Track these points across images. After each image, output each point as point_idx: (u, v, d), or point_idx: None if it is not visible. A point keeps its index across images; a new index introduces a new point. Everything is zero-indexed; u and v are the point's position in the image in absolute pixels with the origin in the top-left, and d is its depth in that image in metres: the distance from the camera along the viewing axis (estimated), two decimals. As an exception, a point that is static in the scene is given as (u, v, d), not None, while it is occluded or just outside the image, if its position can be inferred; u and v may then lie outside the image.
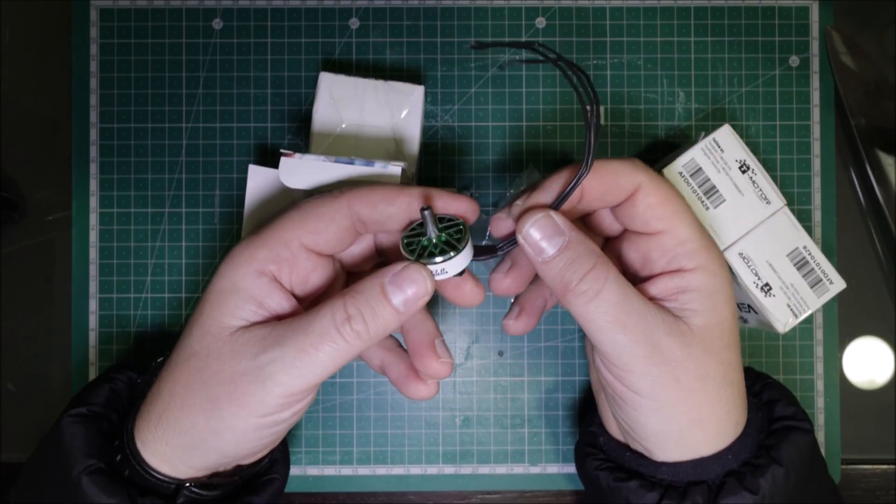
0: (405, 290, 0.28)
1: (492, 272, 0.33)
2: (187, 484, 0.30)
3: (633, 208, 0.30)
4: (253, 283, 0.29)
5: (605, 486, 0.32)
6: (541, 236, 0.28)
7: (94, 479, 0.29)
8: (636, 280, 0.31)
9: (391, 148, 0.37)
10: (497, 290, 0.33)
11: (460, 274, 0.29)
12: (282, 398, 0.27)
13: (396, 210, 0.29)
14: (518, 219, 0.29)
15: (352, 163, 0.33)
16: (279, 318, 0.29)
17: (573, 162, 0.30)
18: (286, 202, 0.36)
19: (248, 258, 0.29)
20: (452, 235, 0.29)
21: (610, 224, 0.33)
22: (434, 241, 0.29)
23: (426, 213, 0.28)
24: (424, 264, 0.28)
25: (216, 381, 0.28)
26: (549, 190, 0.29)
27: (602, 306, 0.28)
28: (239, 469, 0.32)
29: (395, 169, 0.33)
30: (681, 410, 0.29)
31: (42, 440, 0.32)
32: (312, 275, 0.30)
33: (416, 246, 0.29)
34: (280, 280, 0.29)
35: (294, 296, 0.30)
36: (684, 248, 0.29)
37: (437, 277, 0.29)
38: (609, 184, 0.29)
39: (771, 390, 0.34)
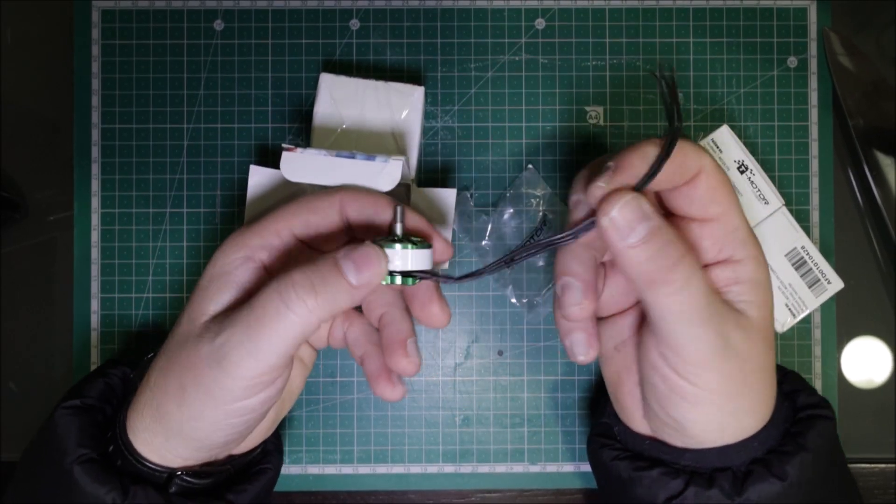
0: (360, 265, 0.27)
1: (560, 306, 0.30)
2: (178, 472, 0.30)
3: (693, 190, 0.29)
4: (239, 268, 0.29)
5: (626, 476, 0.31)
6: (628, 221, 0.26)
7: (86, 468, 0.29)
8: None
9: (391, 148, 0.37)
10: (576, 315, 0.30)
11: (415, 281, 0.29)
12: (242, 381, 0.27)
13: (382, 219, 0.30)
14: (601, 201, 0.27)
15: (353, 157, 0.33)
16: None
17: (649, 138, 0.28)
18: (287, 201, 0.36)
19: (240, 244, 0.29)
20: (417, 244, 0.29)
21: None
22: (399, 236, 0.29)
23: (398, 209, 0.29)
24: (382, 247, 0.28)
25: (185, 367, 0.28)
26: (631, 169, 0.27)
27: (690, 299, 0.27)
28: (231, 458, 0.32)
29: (395, 163, 0.33)
30: (744, 402, 0.29)
31: (37, 433, 0.32)
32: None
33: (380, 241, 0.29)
34: (269, 269, 0.29)
35: None
36: (736, 237, 0.29)
37: (393, 270, 0.28)
38: (678, 164, 0.28)
39: (791, 380, 0.34)
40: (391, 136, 0.37)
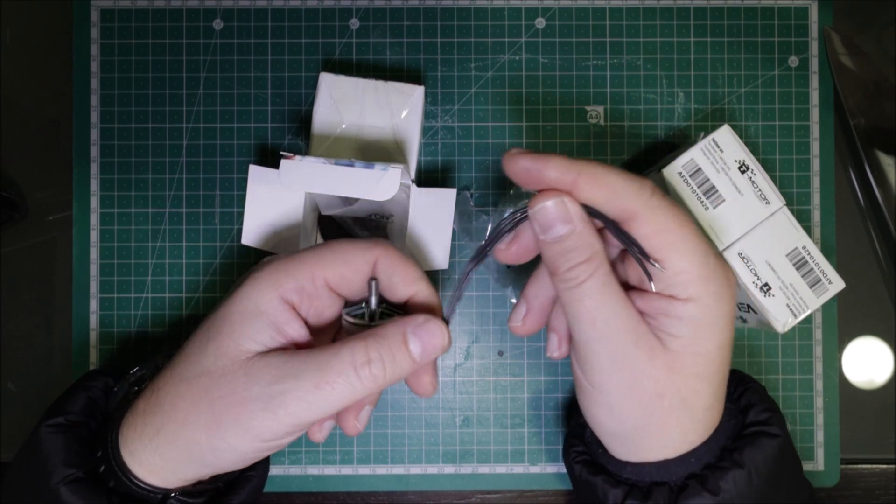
0: (425, 341, 0.29)
1: (497, 245, 0.33)
2: (172, 494, 0.30)
3: (632, 230, 0.29)
4: (276, 308, 0.29)
5: (580, 477, 0.33)
6: (549, 219, 0.29)
7: (72, 488, 0.29)
8: (630, 287, 0.31)
9: (391, 148, 0.37)
10: (502, 258, 0.33)
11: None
12: (290, 427, 0.28)
13: (402, 291, 0.31)
14: (533, 197, 0.29)
15: (352, 165, 0.33)
16: (297, 346, 0.29)
17: (614, 167, 0.29)
18: (287, 202, 0.36)
19: (275, 284, 0.29)
20: (387, 311, 0.31)
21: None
22: (374, 309, 0.30)
23: (373, 283, 0.30)
24: (444, 320, 0.30)
25: (224, 403, 0.28)
26: (564, 172, 0.29)
27: (579, 297, 0.29)
28: (220, 474, 0.32)
29: (394, 171, 0.33)
30: (630, 415, 0.30)
31: (21, 449, 0.32)
32: (328, 311, 0.31)
33: (357, 311, 0.31)
34: (299, 310, 0.30)
35: (307, 326, 0.30)
36: (678, 279, 0.29)
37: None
38: (605, 199, 0.28)
39: (749, 394, 0.34)
40: (391, 135, 0.37)
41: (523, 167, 0.29)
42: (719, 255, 0.30)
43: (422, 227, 0.36)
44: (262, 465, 0.35)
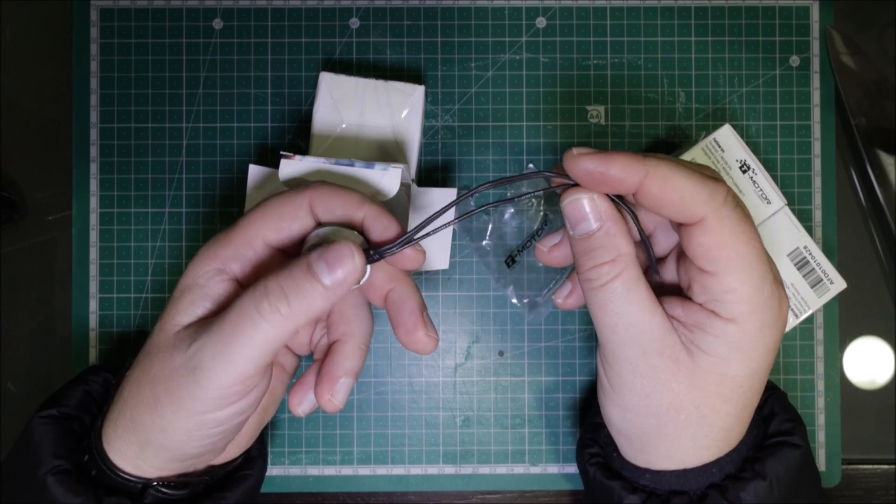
0: (333, 265, 0.26)
1: (538, 242, 0.33)
2: (154, 483, 0.30)
3: (688, 238, 0.27)
4: (210, 280, 0.28)
5: (594, 479, 0.33)
6: (578, 214, 0.28)
7: (59, 479, 0.29)
8: (677, 290, 0.30)
9: (391, 148, 0.37)
10: (544, 260, 0.33)
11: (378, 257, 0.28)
12: (215, 391, 0.26)
13: (355, 218, 0.29)
14: (563, 190, 0.29)
15: (352, 165, 0.33)
16: None
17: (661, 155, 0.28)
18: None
19: (211, 256, 0.29)
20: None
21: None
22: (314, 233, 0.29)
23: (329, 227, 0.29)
24: (354, 241, 0.27)
25: (159, 378, 0.27)
26: (614, 165, 0.27)
27: (602, 299, 0.28)
28: (211, 468, 0.32)
29: (395, 171, 0.33)
30: (643, 423, 0.29)
31: (16, 441, 0.32)
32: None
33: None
34: (240, 280, 0.29)
35: None
36: (726, 297, 0.27)
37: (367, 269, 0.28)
38: (672, 202, 0.27)
39: (772, 402, 0.34)
40: (391, 135, 0.37)
41: (585, 169, 0.27)
42: (777, 282, 0.28)
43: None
44: (258, 465, 0.35)
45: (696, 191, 0.26)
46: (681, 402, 0.28)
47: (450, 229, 0.36)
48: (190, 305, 0.28)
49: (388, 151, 0.37)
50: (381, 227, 0.29)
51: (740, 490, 0.29)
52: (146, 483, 0.30)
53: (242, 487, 0.33)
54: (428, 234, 0.29)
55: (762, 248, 0.27)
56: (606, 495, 0.32)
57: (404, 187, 0.35)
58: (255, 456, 0.35)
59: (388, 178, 0.33)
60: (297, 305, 0.26)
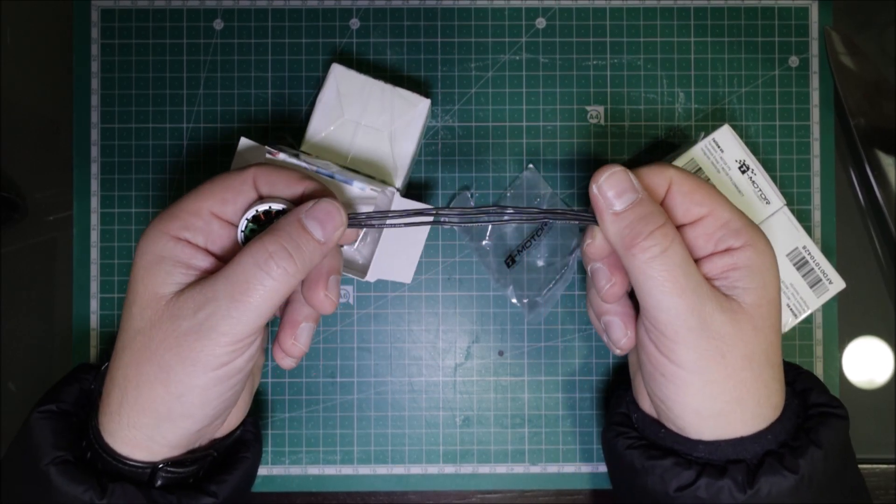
0: (323, 221, 0.29)
1: (599, 284, 0.33)
2: (161, 465, 0.30)
3: (672, 201, 0.30)
4: (174, 248, 0.29)
5: (640, 465, 0.32)
6: (614, 191, 0.29)
7: (61, 469, 0.29)
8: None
9: (384, 153, 0.37)
10: (607, 297, 0.33)
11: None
12: (229, 346, 0.28)
13: (292, 194, 0.31)
14: (594, 173, 0.30)
15: (332, 177, 0.34)
16: (209, 274, 0.30)
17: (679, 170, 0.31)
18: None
19: (162, 228, 0.30)
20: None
21: None
22: (258, 211, 0.30)
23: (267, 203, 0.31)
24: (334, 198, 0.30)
25: (164, 348, 0.28)
26: (652, 177, 0.31)
27: (666, 265, 0.28)
28: (214, 442, 0.33)
29: (371, 193, 0.34)
30: (724, 388, 0.29)
31: (14, 438, 0.32)
32: (226, 240, 0.31)
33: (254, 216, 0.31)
34: (196, 244, 0.30)
35: (214, 256, 0.31)
36: (729, 228, 0.30)
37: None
38: (646, 187, 0.30)
39: (804, 379, 0.34)
40: (387, 140, 0.37)
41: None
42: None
43: (396, 237, 0.36)
44: (255, 447, 0.36)
45: (652, 168, 0.31)
46: (752, 349, 0.29)
47: (420, 246, 0.36)
48: (168, 276, 0.29)
49: (379, 156, 0.37)
50: (322, 204, 0.31)
51: (799, 457, 0.29)
52: (155, 466, 0.30)
53: (242, 468, 0.34)
54: (398, 226, 0.32)
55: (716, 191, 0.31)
56: (655, 475, 0.31)
57: (389, 193, 0.35)
58: (251, 438, 0.36)
59: (364, 198, 0.34)
60: (300, 261, 0.29)
